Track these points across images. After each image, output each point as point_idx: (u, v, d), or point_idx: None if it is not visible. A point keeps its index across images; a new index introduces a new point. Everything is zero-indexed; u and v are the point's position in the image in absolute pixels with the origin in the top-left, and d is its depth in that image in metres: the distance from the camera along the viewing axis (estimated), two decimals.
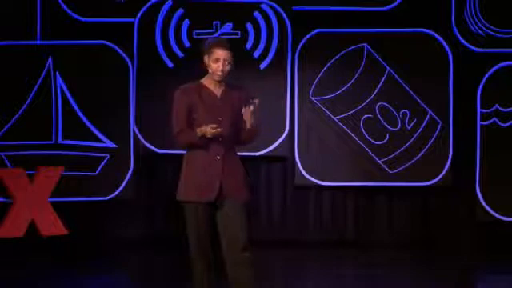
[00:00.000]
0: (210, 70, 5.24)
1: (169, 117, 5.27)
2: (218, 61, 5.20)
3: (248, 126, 5.23)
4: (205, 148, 5.20)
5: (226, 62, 5.19)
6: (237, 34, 9.62)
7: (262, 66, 9.67)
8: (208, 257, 5.24)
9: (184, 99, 5.22)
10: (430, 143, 9.66)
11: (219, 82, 5.25)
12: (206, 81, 5.29)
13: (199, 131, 5.14)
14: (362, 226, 9.85)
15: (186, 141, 5.21)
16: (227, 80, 5.27)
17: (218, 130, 5.10)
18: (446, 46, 9.66)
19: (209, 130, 5.10)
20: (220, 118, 5.19)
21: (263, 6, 9.69)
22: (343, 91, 9.66)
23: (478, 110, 9.62)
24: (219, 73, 5.21)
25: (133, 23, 9.65)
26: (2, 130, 9.45)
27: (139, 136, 9.65)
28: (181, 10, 9.67)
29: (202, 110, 5.20)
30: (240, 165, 5.33)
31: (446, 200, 9.77)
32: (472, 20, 9.63)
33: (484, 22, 9.62)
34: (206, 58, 5.23)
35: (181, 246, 9.36)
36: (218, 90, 5.28)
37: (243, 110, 5.23)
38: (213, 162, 5.20)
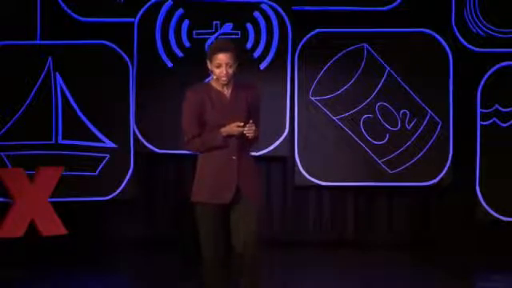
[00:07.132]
0: (214, 76, 5.16)
1: (181, 120, 5.19)
2: (220, 66, 5.10)
3: (250, 136, 5.11)
4: (220, 148, 5.12)
5: (229, 66, 5.10)
6: (237, 34, 9.62)
7: (262, 66, 9.67)
8: (220, 257, 5.19)
9: (194, 101, 5.12)
10: (430, 143, 9.65)
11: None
12: (214, 82, 5.20)
13: (224, 132, 5.08)
14: (362, 226, 9.85)
15: (206, 144, 5.11)
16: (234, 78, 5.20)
17: (245, 128, 5.04)
18: (446, 46, 9.66)
19: (235, 128, 5.05)
20: (232, 118, 5.09)
21: (263, 5, 9.68)
22: (343, 91, 9.65)
23: (478, 110, 9.62)
24: (223, 78, 5.12)
25: (133, 23, 9.65)
26: (2, 130, 9.45)
27: (139, 136, 9.65)
28: (181, 10, 9.67)
29: (213, 111, 5.12)
30: (254, 164, 5.27)
31: (445, 200, 9.77)
32: (472, 20, 9.63)
33: (484, 22, 9.62)
34: (208, 64, 5.14)
35: (180, 246, 9.43)
36: (227, 90, 5.19)
37: (247, 126, 5.09)
38: (229, 163, 5.13)
